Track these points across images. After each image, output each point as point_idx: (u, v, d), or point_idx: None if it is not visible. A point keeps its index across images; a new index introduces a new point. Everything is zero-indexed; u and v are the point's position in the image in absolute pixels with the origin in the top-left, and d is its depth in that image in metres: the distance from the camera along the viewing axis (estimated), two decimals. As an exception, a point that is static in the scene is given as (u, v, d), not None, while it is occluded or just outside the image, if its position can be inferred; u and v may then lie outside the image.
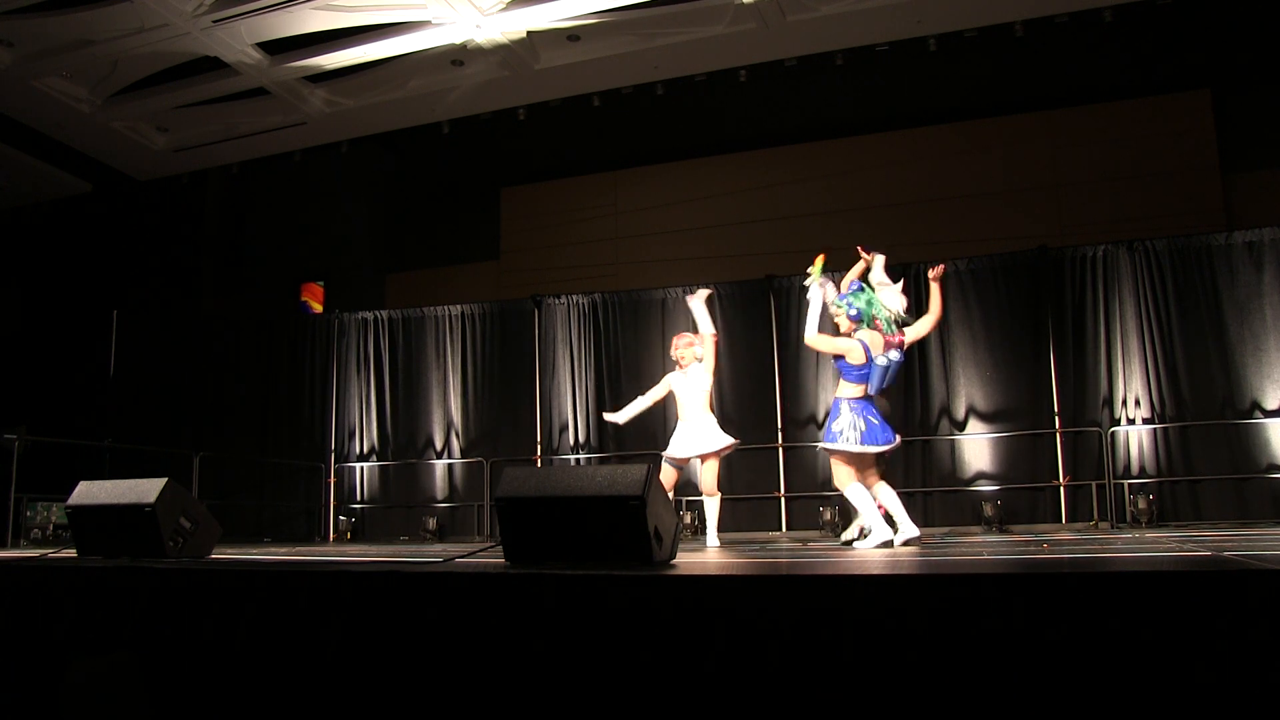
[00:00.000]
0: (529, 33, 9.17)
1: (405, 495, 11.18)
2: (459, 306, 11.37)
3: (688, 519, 9.21)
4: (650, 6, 8.83)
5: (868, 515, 5.29)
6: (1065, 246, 9.55)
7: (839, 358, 5.44)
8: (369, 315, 11.69)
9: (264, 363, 11.79)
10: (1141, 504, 8.41)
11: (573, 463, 10.53)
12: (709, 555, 4.96)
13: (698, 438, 6.25)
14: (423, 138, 11.59)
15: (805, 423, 9.89)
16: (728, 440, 6.26)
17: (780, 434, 9.90)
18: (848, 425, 5.35)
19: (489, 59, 9.60)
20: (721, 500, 6.37)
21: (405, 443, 11.25)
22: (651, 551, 3.14)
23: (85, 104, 10.20)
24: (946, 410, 9.52)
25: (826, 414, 9.82)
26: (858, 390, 5.42)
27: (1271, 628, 2.02)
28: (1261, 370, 8.69)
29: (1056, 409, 9.15)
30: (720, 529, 6.37)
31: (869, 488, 5.37)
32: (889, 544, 5.15)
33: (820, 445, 5.68)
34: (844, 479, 5.36)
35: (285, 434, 11.59)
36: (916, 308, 5.95)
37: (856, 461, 5.39)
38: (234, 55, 9.37)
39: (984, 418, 9.44)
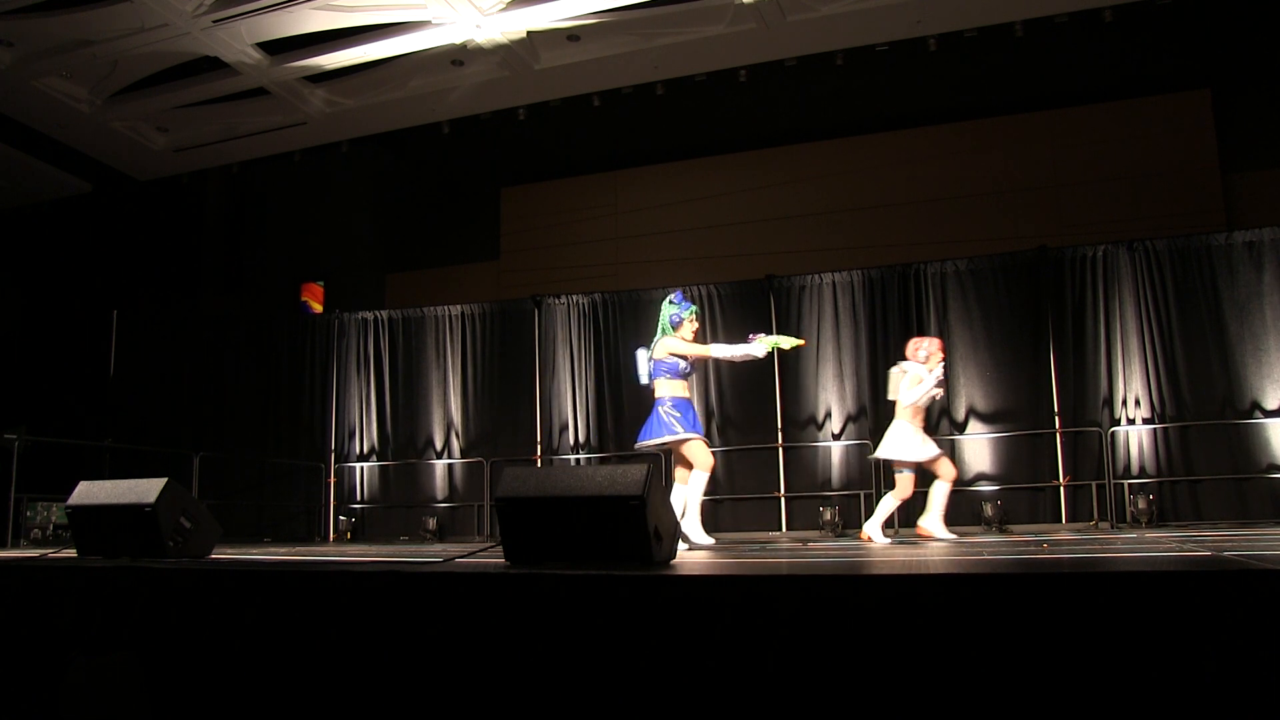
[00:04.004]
0: (529, 33, 9.17)
1: (405, 495, 11.17)
2: (459, 306, 11.37)
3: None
4: (650, 6, 8.82)
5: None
6: (1065, 246, 9.54)
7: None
8: (369, 315, 11.69)
9: (264, 363, 11.79)
10: (1141, 504, 8.40)
11: (573, 463, 10.52)
12: (709, 555, 4.96)
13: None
14: (423, 138, 11.60)
15: (805, 423, 9.89)
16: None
17: (780, 434, 9.90)
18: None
19: (489, 59, 9.60)
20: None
21: (405, 443, 11.25)
22: (651, 551, 3.14)
23: (85, 104, 10.20)
24: (946, 411, 9.51)
25: (826, 414, 9.91)
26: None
27: (1272, 628, 2.02)
28: (1261, 370, 8.69)
29: (1056, 409, 9.15)
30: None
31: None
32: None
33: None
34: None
35: (285, 434, 11.58)
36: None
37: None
38: (234, 55, 9.37)
39: (984, 418, 9.44)
